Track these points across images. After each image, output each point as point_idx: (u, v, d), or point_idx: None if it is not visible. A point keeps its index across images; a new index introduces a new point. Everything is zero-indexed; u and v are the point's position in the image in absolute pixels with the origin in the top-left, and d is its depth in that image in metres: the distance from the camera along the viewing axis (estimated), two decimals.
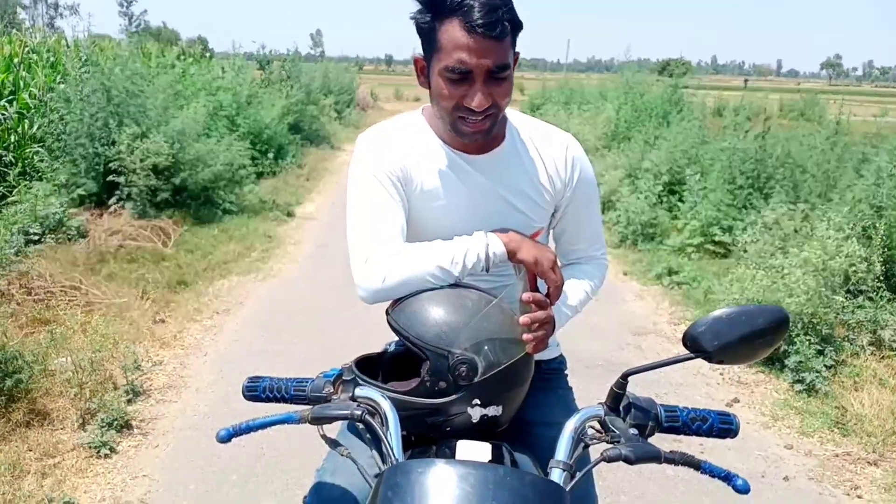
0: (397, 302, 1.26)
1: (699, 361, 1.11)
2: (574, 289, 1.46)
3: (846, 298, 4.25)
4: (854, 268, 4.21)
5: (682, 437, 1.18)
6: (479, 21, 1.18)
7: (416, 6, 1.26)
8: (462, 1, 1.20)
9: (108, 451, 2.95)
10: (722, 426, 1.15)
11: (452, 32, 1.21)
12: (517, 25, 1.26)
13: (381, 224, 1.32)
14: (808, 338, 3.89)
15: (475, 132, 1.30)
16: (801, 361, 3.80)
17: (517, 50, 1.31)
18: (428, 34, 1.27)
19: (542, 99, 19.69)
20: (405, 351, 1.26)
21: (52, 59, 9.34)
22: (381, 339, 1.53)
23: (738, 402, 3.70)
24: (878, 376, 3.79)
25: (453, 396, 1.15)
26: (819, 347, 3.90)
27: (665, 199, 7.44)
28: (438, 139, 1.40)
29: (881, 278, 4.44)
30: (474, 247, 1.26)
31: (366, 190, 1.35)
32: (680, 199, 7.31)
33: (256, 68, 14.74)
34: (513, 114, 1.46)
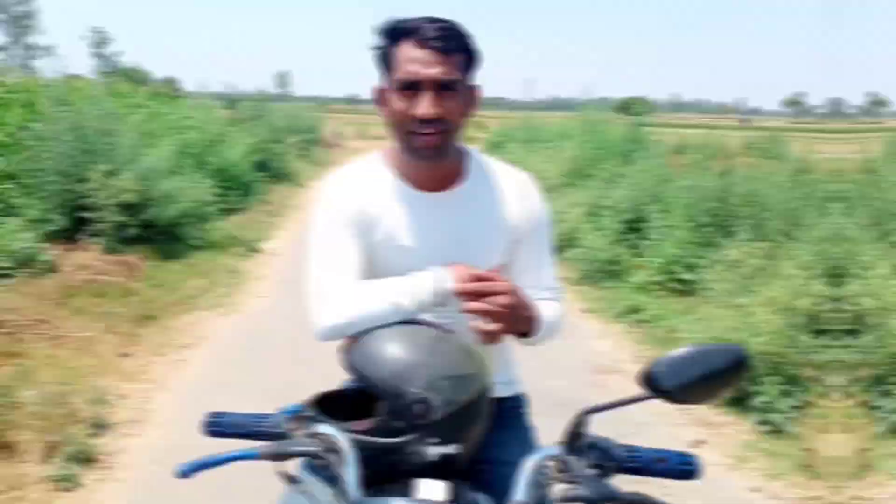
0: (350, 340, 1.24)
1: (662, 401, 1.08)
2: (545, 306, 1.42)
3: (813, 338, 4.05)
4: (820, 307, 4.03)
5: (647, 478, 1.17)
6: (430, 35, 1.26)
7: (377, 40, 1.33)
8: (417, 25, 1.28)
9: (72, 485, 2.94)
10: (682, 467, 1.13)
11: (405, 50, 1.28)
12: (473, 55, 1.33)
13: (337, 264, 1.34)
14: (774, 378, 3.77)
15: (425, 147, 1.30)
16: (767, 402, 3.67)
17: (478, 84, 1.38)
18: (385, 58, 1.32)
19: (504, 137, 19.29)
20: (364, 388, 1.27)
21: (27, 98, 9.38)
22: (343, 373, 1.59)
23: (705, 442, 3.58)
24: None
25: (410, 436, 1.11)
26: (786, 388, 3.77)
27: (627, 236, 7.32)
28: (397, 178, 1.42)
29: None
30: (427, 282, 1.25)
31: (323, 231, 1.39)
32: (642, 237, 7.14)
33: (224, 107, 14.90)
34: (473, 153, 1.49)
